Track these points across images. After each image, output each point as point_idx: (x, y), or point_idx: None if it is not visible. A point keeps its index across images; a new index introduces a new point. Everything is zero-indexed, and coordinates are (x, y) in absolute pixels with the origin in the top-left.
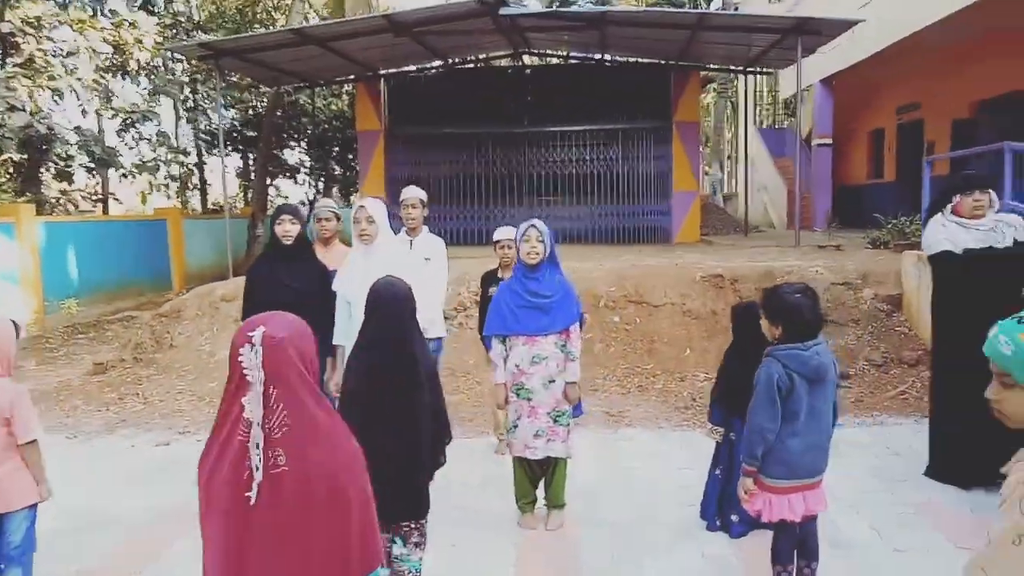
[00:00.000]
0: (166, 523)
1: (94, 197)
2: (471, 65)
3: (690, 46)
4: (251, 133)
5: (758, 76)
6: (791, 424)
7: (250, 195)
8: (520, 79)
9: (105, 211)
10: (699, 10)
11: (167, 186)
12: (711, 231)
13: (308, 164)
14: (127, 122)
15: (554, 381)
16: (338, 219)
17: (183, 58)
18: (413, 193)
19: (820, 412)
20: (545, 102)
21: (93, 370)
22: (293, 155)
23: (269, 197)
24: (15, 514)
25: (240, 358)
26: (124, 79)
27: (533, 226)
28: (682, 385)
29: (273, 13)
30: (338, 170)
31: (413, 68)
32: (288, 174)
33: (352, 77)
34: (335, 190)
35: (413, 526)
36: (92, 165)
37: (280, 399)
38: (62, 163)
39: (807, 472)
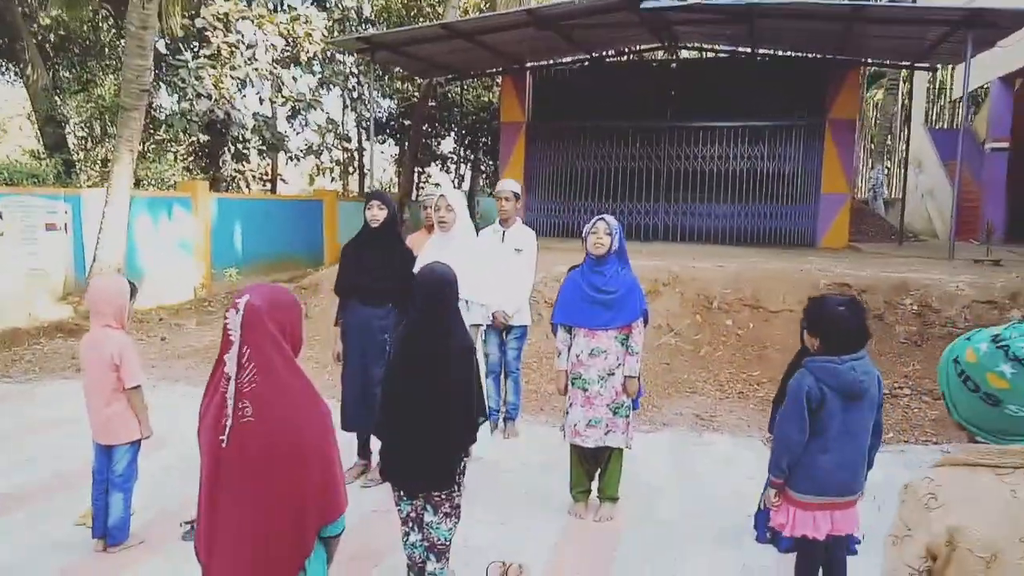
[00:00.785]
0: None
1: (265, 177)
2: (616, 59)
3: (848, 39)
4: (406, 122)
5: (935, 72)
6: (820, 439)
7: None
8: (666, 73)
9: (273, 190)
10: (855, 1)
11: (331, 169)
12: (863, 237)
13: (459, 153)
14: (295, 109)
15: (613, 374)
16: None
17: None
18: (507, 186)
19: (856, 430)
20: (690, 97)
21: None
22: (448, 143)
23: (420, 183)
24: (119, 447)
25: (226, 320)
26: (295, 69)
27: (602, 219)
28: None
29: (437, 7)
30: (485, 160)
31: (559, 61)
32: (439, 162)
33: (499, 69)
34: (482, 179)
35: (443, 496)
36: (264, 148)
37: (252, 359)
38: (240, 145)
39: (837, 490)
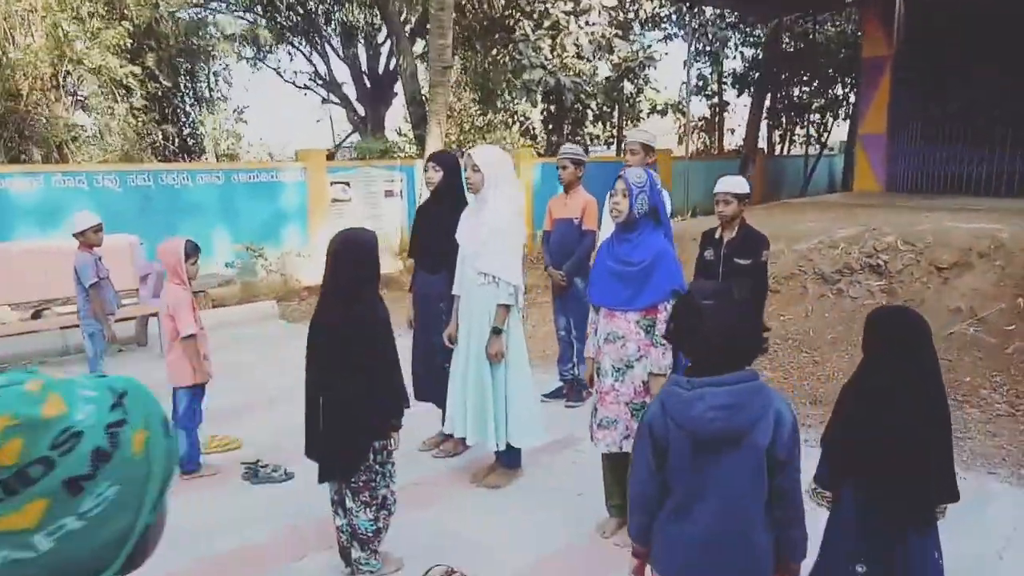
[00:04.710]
0: None
1: (611, 140)
2: None
3: None
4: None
5: None
6: (673, 498)
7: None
8: None
9: (618, 153)
10: None
11: (695, 128)
12: None
13: (816, 102)
14: (629, 69)
15: (631, 367)
16: (576, 165)
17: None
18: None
19: (730, 494)
20: None
21: None
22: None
23: (785, 138)
24: (178, 390)
25: None
26: (637, 29)
27: (620, 176)
28: None
29: None
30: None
31: None
32: (794, 113)
33: None
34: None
35: (360, 483)
36: (602, 112)
37: None
38: (577, 111)
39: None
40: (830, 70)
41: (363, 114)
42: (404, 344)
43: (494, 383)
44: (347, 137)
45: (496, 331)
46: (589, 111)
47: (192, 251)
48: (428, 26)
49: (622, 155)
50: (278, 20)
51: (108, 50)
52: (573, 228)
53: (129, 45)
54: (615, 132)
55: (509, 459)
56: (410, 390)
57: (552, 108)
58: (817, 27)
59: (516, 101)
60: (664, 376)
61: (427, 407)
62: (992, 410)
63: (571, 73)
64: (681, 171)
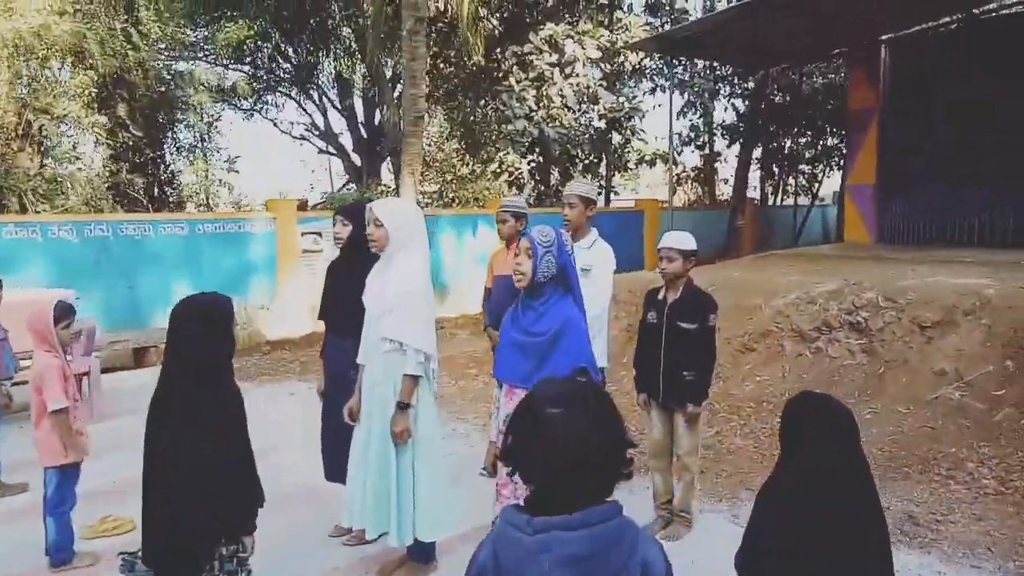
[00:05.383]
0: None
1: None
2: (1003, 12)
3: None
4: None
5: None
6: None
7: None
8: None
9: (606, 203)
10: None
11: (688, 178)
12: None
13: (807, 152)
14: (615, 120)
15: None
16: (517, 219)
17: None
18: (572, 188)
19: None
20: None
21: None
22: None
23: (779, 187)
24: (48, 470)
25: None
26: (624, 80)
27: (524, 235)
28: None
29: None
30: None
31: (921, 27)
32: (785, 163)
33: (843, 50)
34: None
35: None
36: (590, 163)
37: None
38: (565, 162)
39: None
40: (819, 121)
41: (359, 164)
42: (316, 415)
43: (399, 467)
44: (343, 187)
45: (401, 406)
46: (577, 161)
47: (63, 314)
48: (401, 76)
49: (568, 208)
50: (267, 72)
51: (73, 100)
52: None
53: (96, 95)
54: (603, 183)
55: (420, 553)
56: (320, 469)
57: (540, 159)
58: (804, 78)
59: (502, 151)
60: None
61: (340, 488)
62: (978, 487)
63: (557, 124)
64: (667, 222)
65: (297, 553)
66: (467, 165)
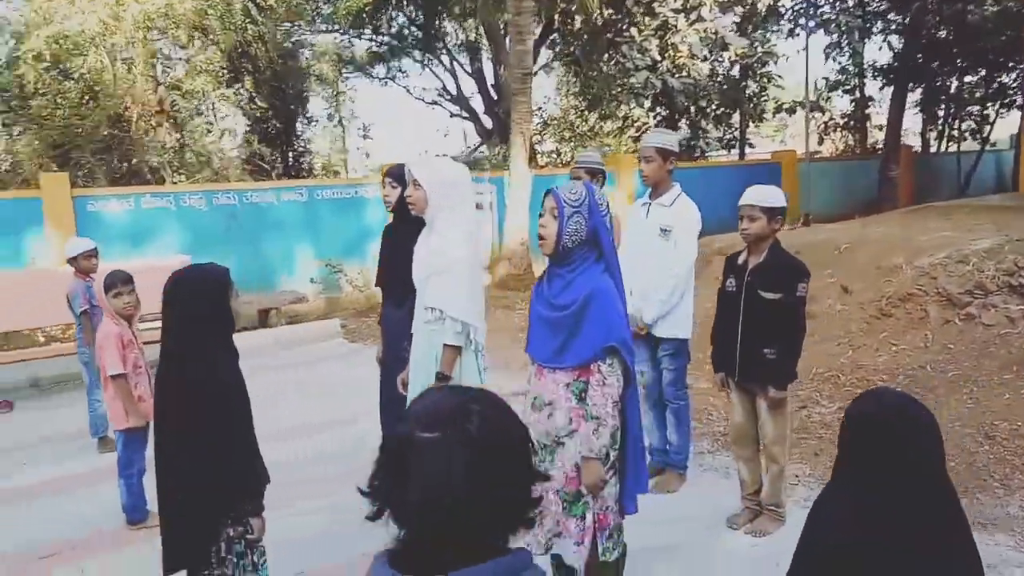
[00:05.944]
0: None
1: (728, 142)
2: None
3: None
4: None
5: None
6: None
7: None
8: None
9: (741, 156)
10: None
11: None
12: None
13: (976, 92)
14: (749, 68)
15: (563, 444)
16: (592, 176)
17: None
18: (649, 140)
19: None
20: None
21: None
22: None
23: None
24: (117, 432)
25: None
26: (758, 23)
27: (549, 192)
28: None
29: None
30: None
31: None
32: (950, 105)
33: None
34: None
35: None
36: (720, 112)
37: None
38: (695, 114)
39: None
40: (990, 55)
41: (490, 127)
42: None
43: None
44: (475, 149)
45: (440, 378)
46: (708, 112)
47: (115, 282)
48: (508, 31)
49: (644, 163)
50: (395, 38)
51: (200, 75)
52: None
53: (223, 68)
54: (737, 134)
55: None
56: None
57: (666, 111)
58: (971, 6)
59: (624, 106)
60: (598, 460)
61: None
62: None
63: (683, 74)
64: (806, 174)
65: (337, 535)
66: (587, 122)
